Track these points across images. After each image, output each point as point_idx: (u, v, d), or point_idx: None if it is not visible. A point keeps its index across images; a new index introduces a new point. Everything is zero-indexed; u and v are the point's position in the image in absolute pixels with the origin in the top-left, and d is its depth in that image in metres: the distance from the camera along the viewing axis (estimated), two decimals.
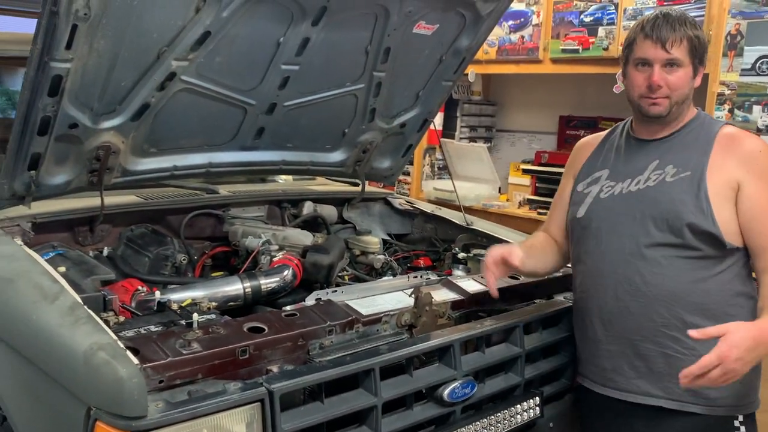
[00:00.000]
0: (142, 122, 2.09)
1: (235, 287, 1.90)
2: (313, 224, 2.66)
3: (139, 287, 1.91)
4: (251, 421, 1.40)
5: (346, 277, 2.30)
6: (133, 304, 1.83)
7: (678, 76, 1.75)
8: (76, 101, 1.88)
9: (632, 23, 3.63)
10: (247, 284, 1.90)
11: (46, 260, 1.91)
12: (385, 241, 2.78)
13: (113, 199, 2.27)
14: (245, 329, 1.58)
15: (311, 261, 2.06)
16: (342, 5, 2.13)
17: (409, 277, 2.15)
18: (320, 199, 2.74)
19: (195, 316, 1.59)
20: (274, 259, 2.07)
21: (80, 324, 1.41)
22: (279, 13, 2.05)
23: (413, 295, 1.87)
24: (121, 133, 2.07)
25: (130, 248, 2.24)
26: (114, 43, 1.80)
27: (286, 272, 2.00)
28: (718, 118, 3.34)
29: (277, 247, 2.17)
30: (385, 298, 1.90)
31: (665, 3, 3.55)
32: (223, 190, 2.55)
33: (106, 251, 2.23)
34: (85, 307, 1.49)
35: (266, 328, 1.59)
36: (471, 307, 2.02)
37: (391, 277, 2.23)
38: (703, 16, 3.41)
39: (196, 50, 1.98)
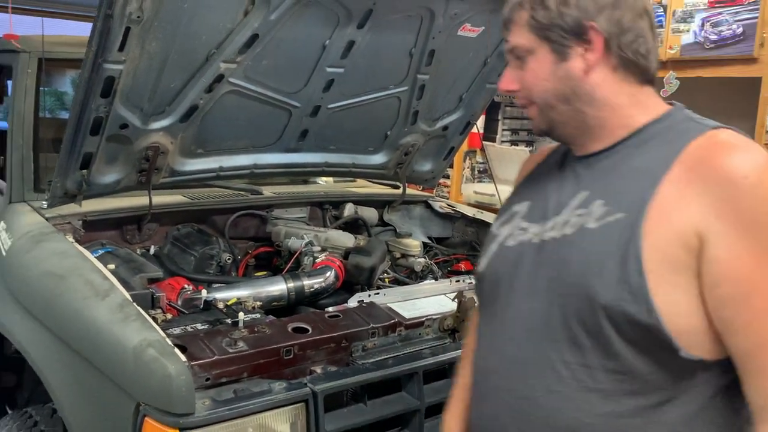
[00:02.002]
0: (191, 123, 2.12)
1: (279, 287, 1.92)
2: (353, 226, 2.67)
3: (186, 285, 1.94)
4: (295, 421, 1.41)
5: (387, 280, 2.30)
6: (179, 302, 1.86)
7: (530, 69, 1.07)
8: (127, 102, 1.92)
9: (682, 26, 3.55)
10: (291, 285, 1.92)
11: (95, 257, 1.96)
12: (425, 244, 2.77)
13: (160, 199, 2.31)
14: (290, 329, 1.59)
15: (354, 263, 2.06)
16: (387, 8, 2.14)
17: (451, 280, 2.13)
18: (361, 201, 2.75)
19: (241, 315, 1.61)
20: (317, 261, 2.08)
21: (130, 321, 1.44)
22: (325, 16, 2.06)
23: (456, 299, 1.85)
24: (170, 133, 2.11)
25: (176, 247, 2.28)
26: (164, 45, 1.84)
27: (329, 273, 2.01)
28: None
29: (319, 248, 2.18)
30: (428, 301, 1.90)
31: (716, 5, 3.46)
32: (267, 191, 2.58)
33: (152, 250, 2.28)
34: (135, 304, 1.52)
35: (310, 328, 1.60)
36: None
37: (434, 281, 2.22)
38: (756, 18, 3.32)
39: (244, 53, 2.01)
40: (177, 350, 1.38)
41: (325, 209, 2.69)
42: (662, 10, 3.63)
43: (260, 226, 2.52)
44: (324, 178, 3.12)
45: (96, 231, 2.17)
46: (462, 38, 2.44)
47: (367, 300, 1.84)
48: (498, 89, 1.31)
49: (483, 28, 2.45)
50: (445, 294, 1.98)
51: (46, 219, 2.05)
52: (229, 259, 2.18)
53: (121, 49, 1.74)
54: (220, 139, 2.29)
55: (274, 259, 2.44)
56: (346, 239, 2.23)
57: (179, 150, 2.20)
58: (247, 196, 2.50)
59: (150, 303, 1.70)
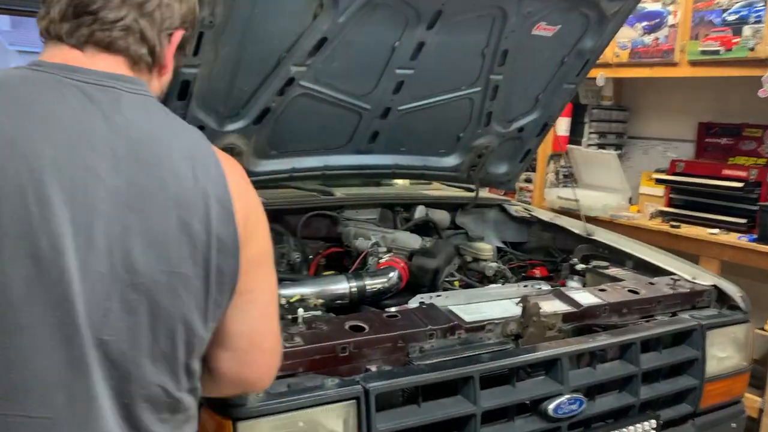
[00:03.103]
0: (264, 125, 2.19)
1: (342, 286, 1.94)
2: (424, 228, 2.66)
3: None
4: (347, 418, 1.41)
5: (457, 284, 2.27)
6: None
7: None
8: (203, 105, 2.00)
9: None
10: (353, 284, 1.93)
11: None
12: (499, 249, 2.72)
13: None
14: (347, 327, 1.60)
15: (417, 264, 2.06)
16: (458, 8, 2.12)
17: (519, 285, 2.08)
18: (433, 203, 2.73)
19: (300, 311, 1.64)
20: (381, 261, 2.08)
21: None
22: (394, 17, 2.07)
23: (521, 305, 1.80)
24: (245, 135, 2.18)
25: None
26: (237, 49, 1.91)
27: (391, 274, 2.01)
28: None
29: (385, 249, 2.18)
30: (491, 305, 1.86)
31: None
32: (338, 192, 2.62)
33: None
34: None
35: (367, 327, 1.61)
36: (584, 320, 1.91)
37: (500, 285, 2.17)
38: None
39: (314, 56, 2.05)
40: None
41: (396, 211, 2.69)
42: (762, 4, 3.39)
43: (331, 226, 2.56)
44: (400, 181, 3.13)
45: None
46: (537, 37, 2.38)
47: (428, 301, 1.82)
48: None
49: (559, 26, 2.39)
50: (510, 299, 1.93)
51: None
52: (298, 257, 2.22)
53: (196, 53, 1.81)
54: (293, 140, 2.34)
55: (344, 260, 2.47)
56: (413, 241, 2.22)
57: (254, 151, 2.28)
58: (319, 197, 2.54)
59: None
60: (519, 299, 1.85)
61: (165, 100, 1.92)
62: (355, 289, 1.94)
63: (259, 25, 1.89)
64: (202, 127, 2.05)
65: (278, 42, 1.97)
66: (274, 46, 1.98)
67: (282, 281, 2.03)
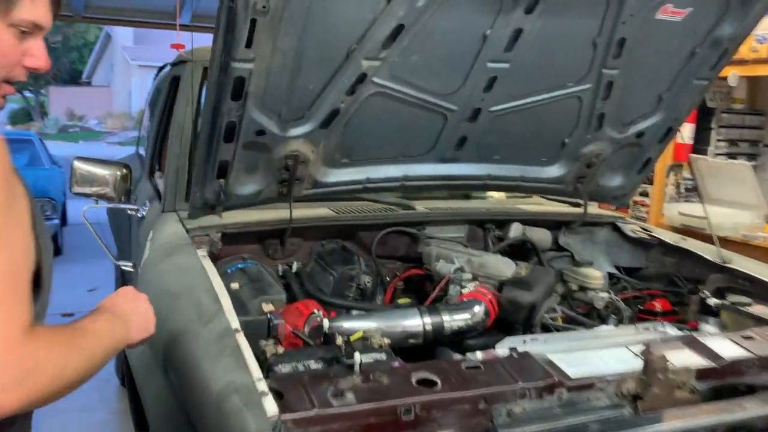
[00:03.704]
0: (333, 130, 1.91)
1: (414, 322, 1.61)
2: (520, 250, 2.28)
3: (315, 311, 1.71)
4: None
5: (559, 319, 1.89)
6: (305, 330, 1.64)
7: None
8: (262, 106, 1.75)
9: None
10: (428, 320, 1.60)
11: (229, 273, 1.82)
12: (611, 276, 2.29)
13: (305, 212, 2.14)
14: (414, 381, 1.27)
15: (508, 297, 1.69)
16: None
17: (637, 327, 1.67)
18: (532, 220, 2.35)
19: (357, 356, 1.33)
20: (464, 291, 1.74)
21: (224, 356, 1.22)
22: (484, 0, 1.73)
23: (642, 355, 1.40)
24: (311, 141, 1.91)
25: (319, 265, 2.08)
26: (298, 40, 1.64)
27: (476, 309, 1.66)
28: None
29: (470, 276, 1.84)
30: (602, 355, 1.47)
31: None
32: (420, 205, 2.30)
33: (295, 266, 2.10)
34: (239, 334, 1.31)
35: (440, 382, 1.27)
36: (725, 378, 1.48)
37: (613, 327, 1.76)
38: None
39: (389, 47, 1.75)
40: (270, 398, 1.13)
41: (487, 229, 2.33)
42: None
43: (411, 245, 2.24)
44: (495, 193, 2.76)
45: (237, 244, 2.05)
46: (662, 23, 1.96)
47: (520, 348, 1.46)
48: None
49: (690, 9, 1.95)
50: (627, 346, 1.53)
51: (187, 230, 1.96)
52: (368, 281, 1.92)
53: (249, 45, 1.56)
54: (367, 147, 2.05)
55: (426, 284, 2.14)
56: (504, 267, 1.86)
57: (322, 159, 2.00)
58: (398, 212, 2.23)
59: (266, 331, 1.49)
60: (639, 347, 1.45)
61: (219, 99, 1.70)
62: (430, 327, 1.61)
63: (323, 12, 1.61)
64: (262, 132, 1.80)
65: (346, 32, 1.68)
66: (342, 37, 1.69)
67: (347, 310, 1.74)
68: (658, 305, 2.14)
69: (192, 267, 1.66)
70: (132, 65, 25.66)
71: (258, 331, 1.46)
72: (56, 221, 6.79)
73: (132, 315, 1.15)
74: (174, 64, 2.89)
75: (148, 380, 1.45)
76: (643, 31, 1.95)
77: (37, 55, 1.08)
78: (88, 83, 30.14)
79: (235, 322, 1.36)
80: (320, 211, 2.18)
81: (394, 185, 2.17)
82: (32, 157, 7.73)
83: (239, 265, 1.98)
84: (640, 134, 2.28)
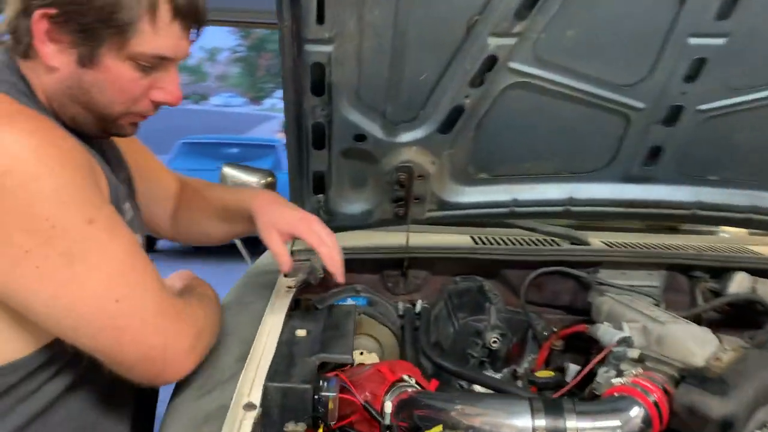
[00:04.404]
0: (458, 135, 1.44)
1: (521, 423, 1.07)
2: (746, 312, 1.56)
3: (405, 377, 1.27)
4: None
5: None
6: (386, 404, 1.21)
7: None
8: (357, 103, 1.35)
9: None
10: (542, 422, 1.05)
11: (317, 311, 1.47)
12: None
13: (439, 238, 1.70)
14: None
15: (685, 402, 1.06)
16: None
17: None
18: (765, 270, 1.61)
19: None
20: (616, 381, 1.14)
21: None
22: None
23: None
24: (429, 149, 1.46)
25: (447, 308, 1.62)
26: (394, 12, 1.21)
27: (631, 414, 1.06)
28: None
29: (637, 354, 1.22)
30: None
31: None
32: (595, 238, 1.70)
33: (419, 305, 1.67)
34: (232, 418, 0.93)
35: None
36: None
37: None
38: None
39: (526, 18, 1.23)
40: None
41: (696, 278, 1.64)
42: None
43: (579, 292, 1.66)
44: (732, 228, 2.03)
45: (351, 272, 1.68)
46: None
47: None
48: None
49: None
50: None
51: (292, 252, 1.65)
52: (494, 342, 1.41)
53: (320, 20, 1.18)
54: (512, 158, 1.53)
55: (593, 347, 1.55)
56: (695, 345, 1.19)
57: (449, 173, 1.54)
58: (561, 247, 1.67)
59: (308, 405, 1.09)
60: None
61: (298, 94, 1.35)
62: None
63: None
64: (362, 137, 1.41)
65: None
66: (457, 5, 1.22)
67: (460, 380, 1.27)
68: None
69: (257, 299, 1.33)
70: None
71: (296, 404, 1.07)
72: None
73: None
74: None
75: None
76: None
77: (166, 89, 1.01)
78: None
79: (244, 395, 0.99)
80: (458, 239, 1.72)
81: (555, 210, 1.62)
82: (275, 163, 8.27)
83: (354, 299, 1.62)
84: None
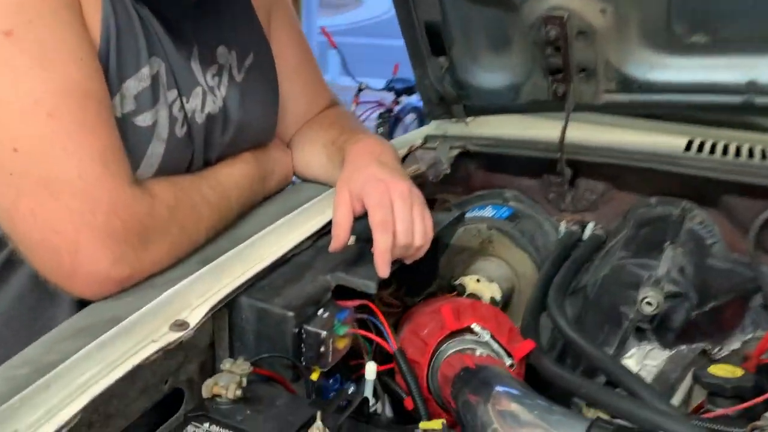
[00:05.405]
0: None
1: None
2: None
3: (476, 328, 0.87)
4: None
5: None
6: (429, 372, 0.84)
7: None
8: None
9: None
10: None
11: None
12: None
13: (624, 135, 1.15)
14: None
15: None
16: None
17: None
18: None
19: None
20: None
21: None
22: None
23: None
24: None
25: (631, 244, 1.10)
26: None
27: None
28: None
29: None
30: None
31: None
32: None
33: (588, 230, 1.18)
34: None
35: None
36: None
37: None
38: None
39: None
40: None
41: None
42: None
43: None
44: None
45: (497, 172, 1.26)
46: None
47: None
48: None
49: None
50: None
51: (426, 137, 1.28)
52: (648, 302, 0.87)
53: None
54: (751, 8, 0.89)
55: None
56: None
57: (637, 32, 0.97)
58: None
59: (288, 341, 0.76)
60: None
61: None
62: None
63: None
64: None
65: None
66: None
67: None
68: None
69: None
70: None
71: (276, 337, 0.77)
72: None
73: None
74: None
75: None
76: None
77: None
78: None
79: (186, 308, 0.71)
80: (660, 140, 1.13)
81: None
82: None
83: (477, 208, 1.21)
84: None
